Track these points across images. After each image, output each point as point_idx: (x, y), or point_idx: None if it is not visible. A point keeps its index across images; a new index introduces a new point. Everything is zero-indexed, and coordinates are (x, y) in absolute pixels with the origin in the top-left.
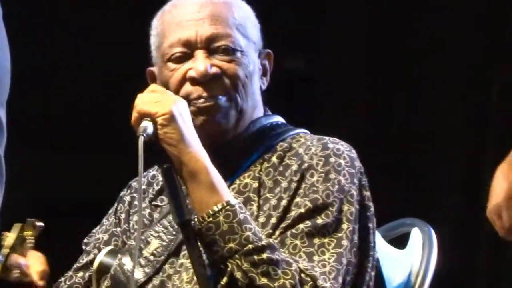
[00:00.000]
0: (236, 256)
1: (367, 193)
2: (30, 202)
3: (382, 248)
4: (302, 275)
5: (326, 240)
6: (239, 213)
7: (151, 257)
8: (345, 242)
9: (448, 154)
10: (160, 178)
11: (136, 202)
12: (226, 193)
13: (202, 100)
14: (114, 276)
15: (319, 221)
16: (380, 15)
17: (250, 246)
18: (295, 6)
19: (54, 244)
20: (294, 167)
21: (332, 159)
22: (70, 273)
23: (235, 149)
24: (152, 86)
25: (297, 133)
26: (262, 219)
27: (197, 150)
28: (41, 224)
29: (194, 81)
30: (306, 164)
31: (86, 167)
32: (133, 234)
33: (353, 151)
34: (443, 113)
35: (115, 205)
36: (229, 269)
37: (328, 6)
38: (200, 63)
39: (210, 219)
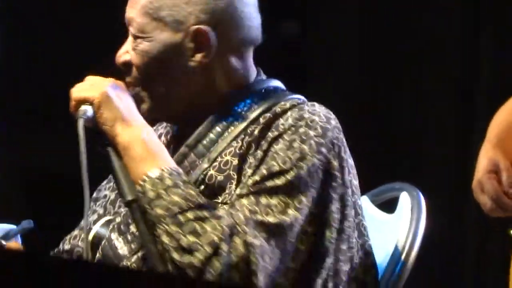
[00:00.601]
0: (163, 221)
1: (335, 163)
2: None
3: (370, 212)
4: (236, 227)
5: (272, 202)
6: (168, 179)
7: (138, 233)
8: (291, 211)
9: (438, 118)
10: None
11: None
12: (159, 162)
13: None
14: (103, 250)
15: (270, 183)
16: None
17: (176, 209)
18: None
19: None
20: (270, 137)
21: (302, 129)
22: (75, 231)
23: (213, 122)
24: (88, 77)
25: (290, 98)
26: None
27: (134, 126)
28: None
29: None
30: (276, 133)
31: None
32: (115, 207)
33: (332, 121)
34: (435, 78)
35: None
36: (158, 235)
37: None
38: (122, 48)
39: (139, 188)
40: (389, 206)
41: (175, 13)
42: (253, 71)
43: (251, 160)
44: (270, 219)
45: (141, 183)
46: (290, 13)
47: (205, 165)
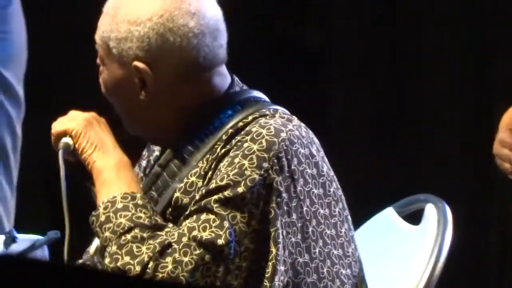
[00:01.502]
0: (109, 243)
1: (280, 178)
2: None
3: (396, 223)
4: (168, 247)
5: (210, 217)
6: (119, 202)
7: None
8: (226, 224)
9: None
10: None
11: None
12: (122, 187)
13: None
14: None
15: (208, 200)
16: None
17: (120, 230)
18: None
19: None
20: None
21: (246, 144)
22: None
23: (185, 143)
24: (70, 111)
25: (256, 112)
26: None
27: (109, 155)
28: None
29: None
30: (224, 150)
31: None
32: None
33: (282, 134)
34: (454, 92)
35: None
36: (105, 258)
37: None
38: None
39: (93, 212)
40: (414, 217)
41: (119, 46)
42: (220, 88)
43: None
44: (205, 235)
45: (98, 206)
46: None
47: (177, 185)
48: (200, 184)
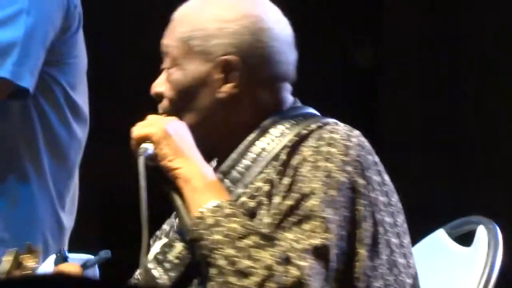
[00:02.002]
0: (221, 246)
1: (362, 181)
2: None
3: (447, 244)
4: (288, 255)
5: (314, 224)
6: (227, 208)
7: (176, 261)
8: (330, 230)
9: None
10: None
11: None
12: (218, 194)
13: None
14: (144, 279)
15: (305, 206)
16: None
17: (235, 235)
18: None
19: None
20: (295, 162)
21: (324, 148)
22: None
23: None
24: (148, 116)
25: (323, 122)
26: (266, 219)
27: (193, 161)
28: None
29: None
30: (300, 158)
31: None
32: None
33: (353, 139)
34: (499, 112)
35: None
36: (213, 259)
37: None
38: (157, 80)
39: (198, 214)
40: (466, 239)
41: (205, 43)
42: (286, 102)
43: (280, 187)
44: (314, 241)
45: (201, 210)
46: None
47: (240, 190)
48: (266, 188)
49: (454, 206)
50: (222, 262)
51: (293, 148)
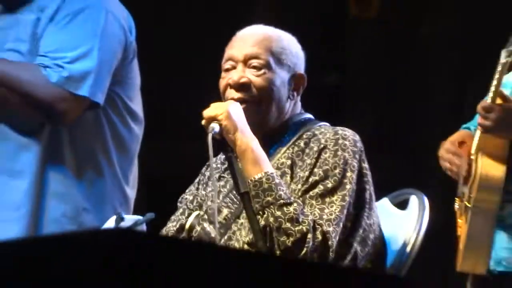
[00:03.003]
0: (271, 206)
1: (365, 165)
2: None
3: (389, 209)
4: (316, 223)
5: (334, 198)
6: (275, 178)
7: (224, 221)
8: (347, 198)
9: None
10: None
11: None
12: (268, 166)
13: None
14: (199, 235)
15: (329, 185)
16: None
17: (282, 201)
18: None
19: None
20: (315, 148)
21: (340, 141)
22: (168, 223)
23: (277, 137)
24: (213, 103)
25: (320, 125)
26: (293, 186)
27: (247, 136)
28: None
29: (231, 86)
30: (322, 145)
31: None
32: (205, 201)
33: (357, 136)
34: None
35: (199, 176)
36: (265, 215)
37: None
38: (235, 74)
39: (256, 179)
40: (403, 205)
41: (291, 59)
42: (299, 108)
43: (300, 163)
44: (335, 209)
45: (260, 175)
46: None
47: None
48: (289, 163)
49: (395, 181)
50: (271, 218)
51: (309, 139)
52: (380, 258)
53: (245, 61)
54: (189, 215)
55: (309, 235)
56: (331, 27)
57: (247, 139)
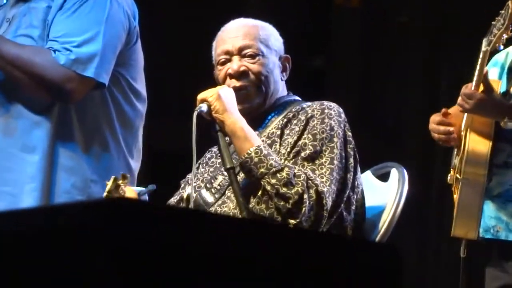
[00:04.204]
0: (266, 176)
1: (349, 133)
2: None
3: (372, 181)
4: (309, 182)
5: (323, 160)
6: (264, 150)
7: (218, 187)
8: (335, 162)
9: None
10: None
11: (212, 159)
12: (256, 141)
13: (236, 89)
14: (195, 202)
15: (318, 148)
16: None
17: (274, 169)
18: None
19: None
20: (302, 118)
21: (326, 111)
22: (171, 199)
23: (268, 112)
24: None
25: (306, 102)
26: (282, 151)
27: (236, 116)
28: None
29: (231, 76)
30: (309, 114)
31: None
32: (203, 176)
33: (340, 108)
34: (407, 87)
35: (202, 157)
36: (262, 185)
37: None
38: (234, 64)
39: (247, 156)
40: (384, 177)
41: (276, 44)
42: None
43: (288, 131)
44: (325, 172)
45: (249, 151)
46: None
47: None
48: (278, 132)
49: (377, 155)
50: (268, 187)
51: (297, 112)
52: (360, 223)
53: (239, 53)
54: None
55: (305, 195)
56: (317, 15)
57: (235, 118)
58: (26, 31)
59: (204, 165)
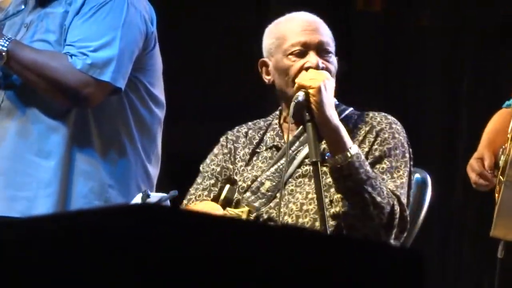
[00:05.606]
0: (363, 183)
1: (410, 148)
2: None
3: None
4: (394, 193)
5: (400, 173)
6: (361, 156)
7: (267, 193)
8: (407, 175)
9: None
10: (254, 133)
11: (239, 151)
12: (350, 142)
13: None
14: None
15: (394, 163)
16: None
17: (365, 177)
18: None
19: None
20: (366, 129)
21: (394, 125)
22: (194, 191)
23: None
24: (310, 70)
25: (350, 108)
26: None
27: (331, 113)
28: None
29: (307, 70)
30: (378, 127)
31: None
32: (238, 174)
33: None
34: (429, 83)
35: (219, 147)
36: (361, 191)
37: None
38: (313, 59)
39: (349, 159)
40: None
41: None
42: None
43: (365, 141)
44: (399, 184)
45: (349, 154)
46: None
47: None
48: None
49: None
50: (366, 195)
51: (354, 119)
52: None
53: (317, 47)
54: (221, 188)
55: (396, 207)
56: (339, 19)
57: (335, 115)
58: (43, 36)
59: (233, 159)
